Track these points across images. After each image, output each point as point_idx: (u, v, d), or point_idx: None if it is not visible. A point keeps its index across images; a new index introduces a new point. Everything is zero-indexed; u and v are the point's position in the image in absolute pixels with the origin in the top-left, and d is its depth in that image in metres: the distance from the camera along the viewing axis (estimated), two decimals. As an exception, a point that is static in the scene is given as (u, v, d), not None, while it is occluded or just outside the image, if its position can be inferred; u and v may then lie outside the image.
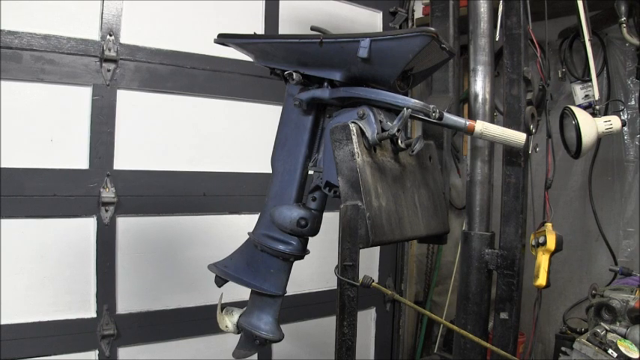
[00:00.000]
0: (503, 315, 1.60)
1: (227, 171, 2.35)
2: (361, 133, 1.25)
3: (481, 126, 1.31)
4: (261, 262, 1.44)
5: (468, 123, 1.31)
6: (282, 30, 2.46)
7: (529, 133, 1.59)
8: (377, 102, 1.30)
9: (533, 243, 1.58)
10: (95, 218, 2.05)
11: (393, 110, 1.31)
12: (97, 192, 2.03)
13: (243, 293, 1.54)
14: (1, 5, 1.83)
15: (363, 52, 1.23)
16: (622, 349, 1.49)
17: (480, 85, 1.67)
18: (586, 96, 2.16)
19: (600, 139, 1.83)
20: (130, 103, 2.10)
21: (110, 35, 2.04)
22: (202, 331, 2.25)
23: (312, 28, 1.41)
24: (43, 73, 1.93)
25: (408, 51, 1.22)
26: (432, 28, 1.21)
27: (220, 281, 1.48)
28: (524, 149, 1.53)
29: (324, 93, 1.35)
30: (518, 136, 1.33)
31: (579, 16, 1.68)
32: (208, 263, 1.47)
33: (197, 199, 2.27)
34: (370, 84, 1.33)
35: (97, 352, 2.06)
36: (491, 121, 1.62)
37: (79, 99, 2.00)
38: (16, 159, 1.88)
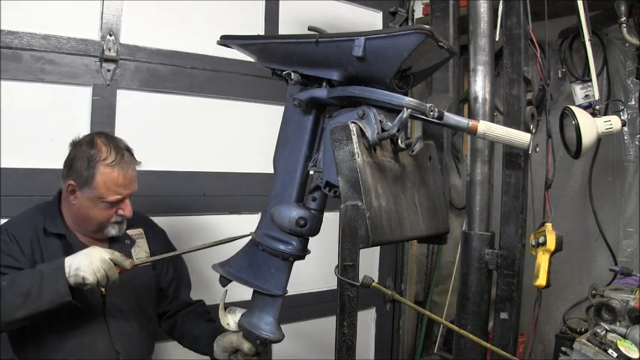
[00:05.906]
0: (503, 315, 1.60)
1: (227, 171, 2.35)
2: (361, 133, 1.25)
3: (484, 126, 1.31)
4: (263, 262, 1.44)
5: (470, 123, 1.31)
6: (282, 30, 2.46)
7: (529, 133, 1.59)
8: (371, 100, 1.30)
9: (533, 243, 1.58)
10: (95, 218, 2.04)
11: (393, 110, 1.30)
12: (97, 192, 2.02)
13: (244, 293, 1.54)
14: (1, 5, 1.83)
15: (357, 51, 1.23)
16: (622, 349, 1.48)
17: (480, 85, 1.67)
18: (586, 96, 2.16)
19: (600, 139, 1.83)
20: (130, 104, 2.09)
21: (110, 35, 2.04)
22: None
23: (310, 28, 1.42)
24: (43, 73, 1.93)
25: (403, 49, 1.22)
26: (427, 26, 1.21)
27: (225, 281, 1.49)
28: (524, 149, 1.53)
29: (322, 92, 1.35)
30: (522, 137, 1.32)
31: (579, 16, 1.68)
32: (208, 263, 1.47)
33: (197, 199, 2.26)
34: (368, 83, 1.32)
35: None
36: (491, 121, 1.62)
37: (79, 99, 2.00)
38: (16, 159, 1.88)
